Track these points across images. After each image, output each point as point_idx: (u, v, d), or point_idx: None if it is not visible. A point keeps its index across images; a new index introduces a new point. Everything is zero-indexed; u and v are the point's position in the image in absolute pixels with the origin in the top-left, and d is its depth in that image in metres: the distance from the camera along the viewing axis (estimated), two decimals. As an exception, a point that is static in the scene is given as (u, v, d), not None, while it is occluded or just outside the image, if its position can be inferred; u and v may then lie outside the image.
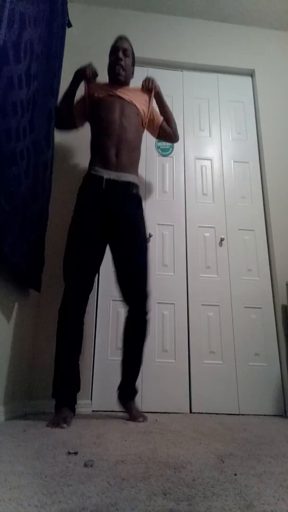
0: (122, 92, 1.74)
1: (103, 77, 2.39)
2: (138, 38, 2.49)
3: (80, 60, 2.34)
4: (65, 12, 2.15)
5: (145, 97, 1.83)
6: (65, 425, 1.22)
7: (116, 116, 1.66)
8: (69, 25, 2.29)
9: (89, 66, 1.76)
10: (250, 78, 2.59)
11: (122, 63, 1.75)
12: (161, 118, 1.89)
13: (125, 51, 1.77)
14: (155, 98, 1.85)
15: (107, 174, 1.57)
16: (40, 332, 1.82)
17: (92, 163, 1.65)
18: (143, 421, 1.45)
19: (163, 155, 2.31)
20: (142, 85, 1.84)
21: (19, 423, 1.33)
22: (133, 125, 1.69)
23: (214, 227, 2.21)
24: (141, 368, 1.61)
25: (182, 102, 2.45)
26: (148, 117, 1.82)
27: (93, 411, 1.76)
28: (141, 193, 1.73)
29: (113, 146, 1.61)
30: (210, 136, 2.42)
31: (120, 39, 1.82)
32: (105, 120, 1.65)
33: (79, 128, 1.83)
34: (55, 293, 1.87)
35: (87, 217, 1.55)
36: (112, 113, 1.66)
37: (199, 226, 2.20)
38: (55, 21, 1.87)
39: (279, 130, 2.44)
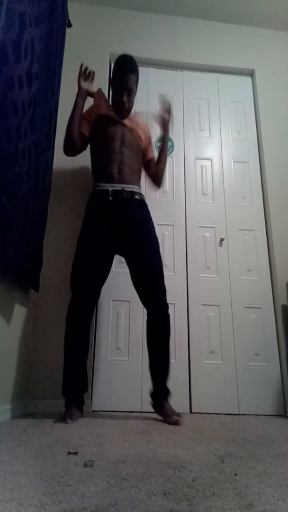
0: (125, 120, 1.76)
1: (99, 78, 2.39)
2: (138, 38, 2.50)
3: (80, 60, 2.35)
4: (65, 12, 2.15)
5: (145, 131, 1.84)
6: (69, 420, 1.34)
7: (118, 142, 1.70)
8: (69, 25, 2.29)
9: (83, 71, 1.79)
10: (250, 78, 2.59)
11: (126, 106, 1.73)
12: (151, 155, 1.86)
13: (130, 91, 1.71)
14: (162, 141, 1.85)
15: (111, 187, 1.64)
16: (40, 332, 1.82)
17: (96, 180, 1.71)
18: (177, 419, 1.39)
19: (163, 155, 2.31)
20: (159, 120, 1.82)
21: (19, 423, 1.33)
22: (134, 152, 1.73)
23: (214, 227, 2.21)
24: (170, 369, 1.56)
25: (182, 102, 2.45)
26: (145, 146, 1.83)
27: (93, 411, 1.76)
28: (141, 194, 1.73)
29: (115, 167, 1.67)
30: (210, 136, 2.42)
31: (128, 73, 1.70)
32: (107, 145, 1.69)
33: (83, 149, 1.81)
34: (55, 293, 1.88)
35: (96, 228, 1.60)
36: (114, 140, 1.70)
37: (199, 226, 2.20)
38: (55, 21, 1.87)
39: (279, 130, 2.44)
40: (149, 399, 1.56)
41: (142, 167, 1.85)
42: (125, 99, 1.71)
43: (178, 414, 1.46)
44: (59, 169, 2.07)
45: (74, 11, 2.37)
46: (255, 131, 2.47)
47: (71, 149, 1.73)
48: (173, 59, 2.50)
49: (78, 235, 1.64)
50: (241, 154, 2.40)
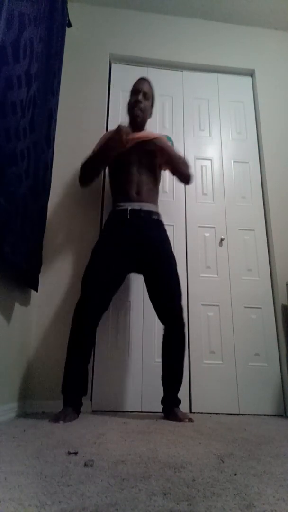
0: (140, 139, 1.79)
1: (99, 78, 2.40)
2: (138, 38, 2.50)
3: (80, 60, 2.36)
4: (65, 12, 2.15)
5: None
6: (61, 421, 1.33)
7: (135, 164, 1.76)
8: (69, 25, 2.29)
9: (124, 132, 1.64)
10: (250, 78, 2.59)
11: (141, 105, 1.82)
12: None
13: (145, 94, 1.84)
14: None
15: (130, 206, 1.70)
16: (40, 332, 1.82)
17: (115, 200, 1.79)
18: (189, 422, 1.46)
19: (163, 155, 2.31)
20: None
21: (19, 423, 1.33)
22: (151, 172, 1.79)
23: (214, 227, 2.20)
24: (181, 381, 1.63)
25: (182, 102, 2.45)
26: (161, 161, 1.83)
27: (93, 411, 1.76)
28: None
29: (133, 188, 1.73)
30: (210, 136, 2.41)
31: (142, 81, 1.87)
32: (126, 168, 1.76)
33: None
34: (54, 293, 1.88)
35: (112, 241, 1.65)
36: (131, 162, 1.76)
37: (199, 226, 2.20)
38: (55, 21, 1.87)
39: (279, 130, 2.44)
40: (161, 406, 1.62)
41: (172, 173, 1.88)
42: (140, 97, 1.81)
43: (190, 418, 1.50)
44: (58, 169, 2.06)
45: (74, 11, 2.37)
46: (255, 131, 2.46)
47: (88, 184, 1.83)
48: (173, 59, 2.50)
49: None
50: (241, 154, 2.40)
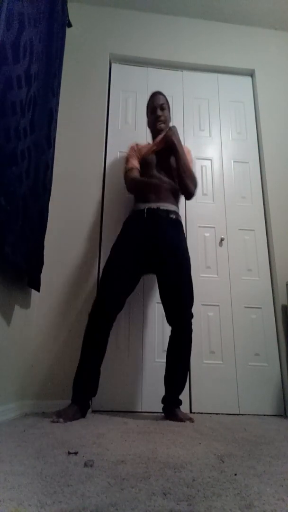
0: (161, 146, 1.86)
1: (99, 78, 2.39)
2: (138, 38, 2.50)
3: (80, 60, 2.36)
4: (65, 12, 2.15)
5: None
6: (61, 420, 1.33)
7: (154, 169, 1.82)
8: (69, 25, 2.29)
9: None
10: (250, 78, 2.59)
11: (162, 118, 1.93)
12: None
13: (162, 107, 1.93)
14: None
15: (147, 206, 1.72)
16: (41, 332, 1.82)
17: (135, 202, 1.83)
18: (190, 418, 1.49)
19: (163, 155, 2.31)
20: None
21: (19, 423, 1.33)
22: (170, 175, 1.81)
23: (214, 227, 2.20)
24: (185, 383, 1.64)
25: (182, 102, 2.45)
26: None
27: (93, 411, 1.76)
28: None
29: (152, 191, 1.75)
30: (210, 136, 2.41)
31: (155, 96, 1.96)
32: (145, 171, 1.82)
33: None
34: (56, 294, 1.88)
35: (130, 242, 1.66)
36: (151, 165, 1.82)
37: (199, 226, 2.20)
38: (55, 21, 1.87)
39: (279, 130, 2.43)
40: (161, 405, 1.62)
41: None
42: (159, 112, 1.92)
43: (190, 418, 1.51)
44: (59, 169, 2.06)
45: (74, 11, 2.37)
46: (255, 131, 2.46)
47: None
48: (173, 59, 2.50)
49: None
50: (241, 154, 2.40)
